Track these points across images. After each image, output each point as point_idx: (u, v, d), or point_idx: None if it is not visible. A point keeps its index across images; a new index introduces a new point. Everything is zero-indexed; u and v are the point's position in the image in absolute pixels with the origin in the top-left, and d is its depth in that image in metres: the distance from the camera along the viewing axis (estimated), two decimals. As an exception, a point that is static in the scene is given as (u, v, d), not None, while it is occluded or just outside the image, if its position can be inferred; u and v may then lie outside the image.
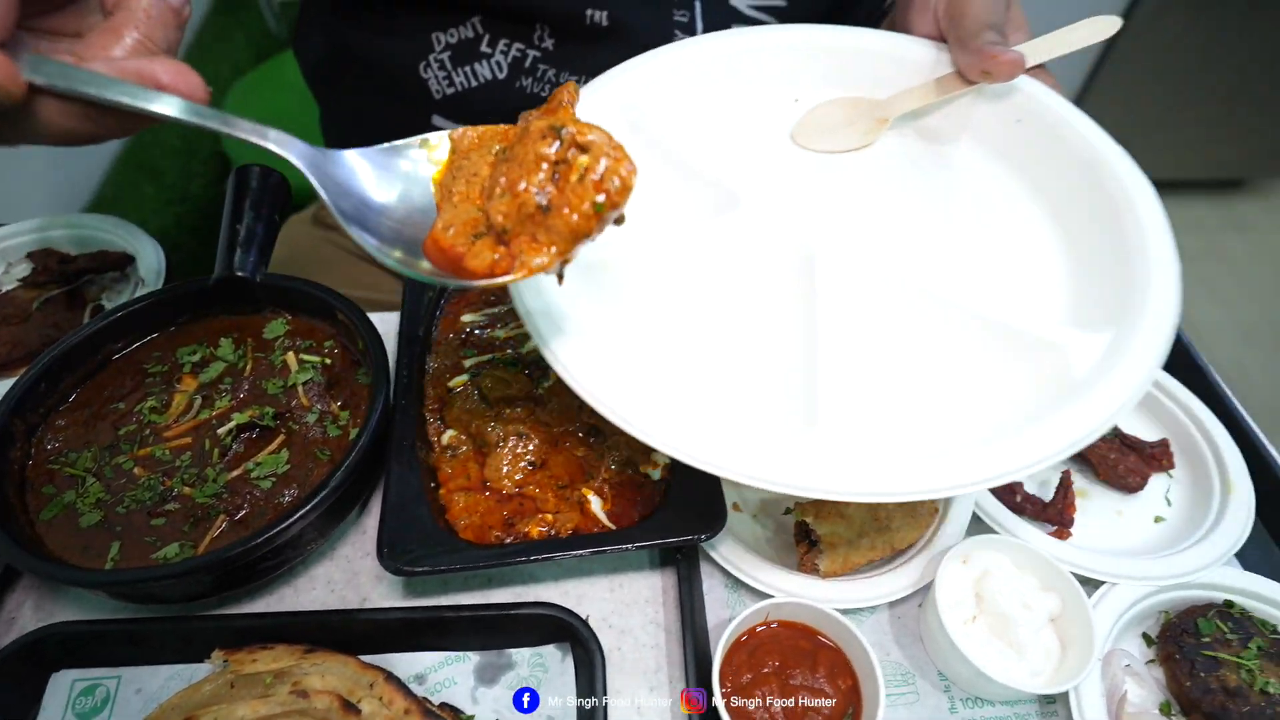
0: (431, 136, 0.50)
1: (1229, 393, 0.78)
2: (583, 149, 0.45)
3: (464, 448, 0.68)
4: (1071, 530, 0.70)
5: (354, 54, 0.91)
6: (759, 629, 0.60)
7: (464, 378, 0.72)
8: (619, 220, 0.47)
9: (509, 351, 0.74)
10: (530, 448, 0.67)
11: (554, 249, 0.47)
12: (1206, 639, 0.60)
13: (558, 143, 0.46)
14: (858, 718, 0.56)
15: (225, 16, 1.94)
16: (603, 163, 0.45)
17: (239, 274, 0.72)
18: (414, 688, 0.57)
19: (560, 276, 0.50)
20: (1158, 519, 0.72)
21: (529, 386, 0.71)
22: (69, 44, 0.44)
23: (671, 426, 0.53)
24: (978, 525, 0.67)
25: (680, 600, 0.61)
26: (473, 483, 0.66)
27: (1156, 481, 0.74)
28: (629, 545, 0.60)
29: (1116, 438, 0.74)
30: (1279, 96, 2.40)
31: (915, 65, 0.73)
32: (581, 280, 0.58)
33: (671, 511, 0.62)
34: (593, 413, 0.54)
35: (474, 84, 0.86)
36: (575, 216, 0.45)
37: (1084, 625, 0.58)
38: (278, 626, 0.58)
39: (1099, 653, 0.59)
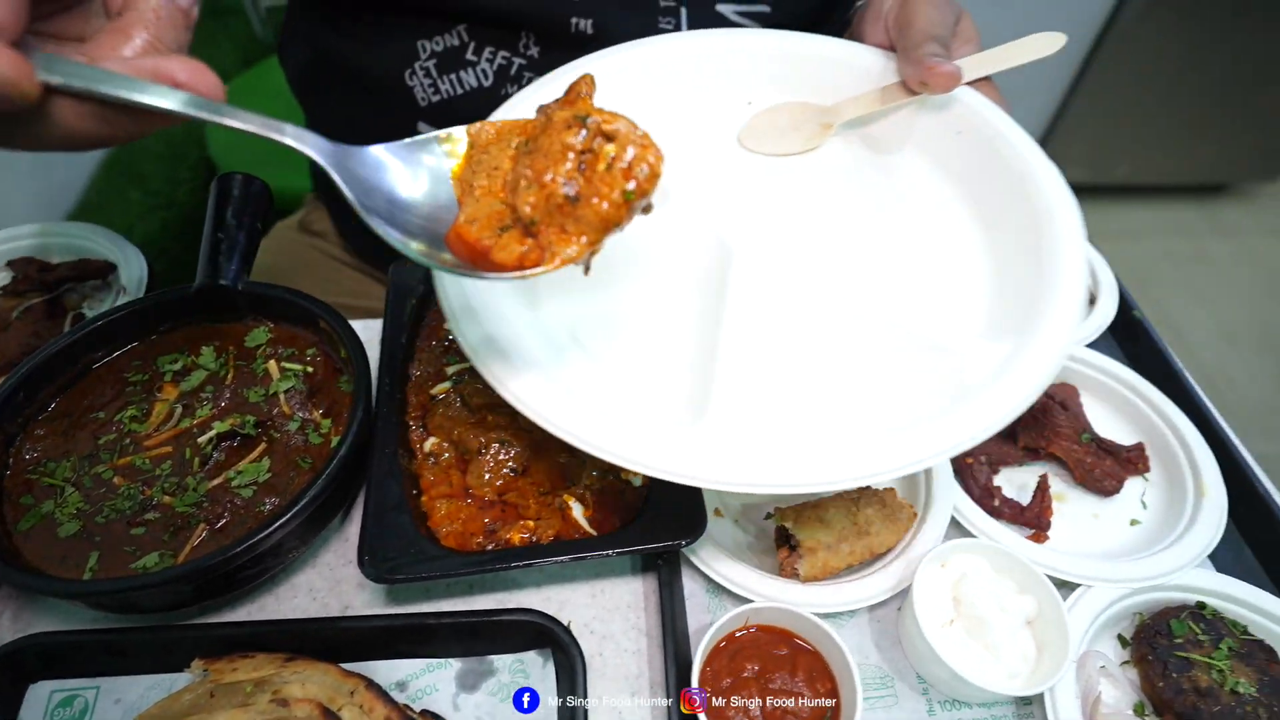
0: (449, 131, 0.50)
1: (1203, 397, 0.79)
2: (609, 137, 0.45)
3: (446, 455, 0.68)
4: (1049, 534, 0.71)
5: (339, 61, 0.91)
6: (739, 634, 0.61)
7: (446, 385, 0.72)
8: (647, 209, 0.47)
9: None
10: (512, 454, 0.67)
11: (584, 239, 0.46)
12: (1179, 640, 0.61)
13: (584, 132, 0.45)
14: (836, 721, 0.56)
15: (211, 21, 1.94)
16: (630, 150, 0.45)
17: (221, 282, 0.71)
18: (395, 695, 0.57)
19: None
20: (1133, 522, 0.73)
21: (511, 393, 0.71)
22: (74, 47, 0.42)
23: (564, 409, 0.54)
24: (956, 529, 0.68)
25: (661, 605, 0.61)
26: (455, 490, 0.66)
27: (1132, 485, 0.75)
28: (610, 551, 0.60)
29: (1093, 442, 0.75)
30: (1262, 101, 2.43)
31: (865, 73, 0.74)
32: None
33: (652, 518, 0.62)
34: None
35: (459, 91, 0.86)
36: (605, 205, 0.45)
37: (1059, 628, 0.59)
38: (258, 635, 0.58)
39: (1074, 655, 0.60)
